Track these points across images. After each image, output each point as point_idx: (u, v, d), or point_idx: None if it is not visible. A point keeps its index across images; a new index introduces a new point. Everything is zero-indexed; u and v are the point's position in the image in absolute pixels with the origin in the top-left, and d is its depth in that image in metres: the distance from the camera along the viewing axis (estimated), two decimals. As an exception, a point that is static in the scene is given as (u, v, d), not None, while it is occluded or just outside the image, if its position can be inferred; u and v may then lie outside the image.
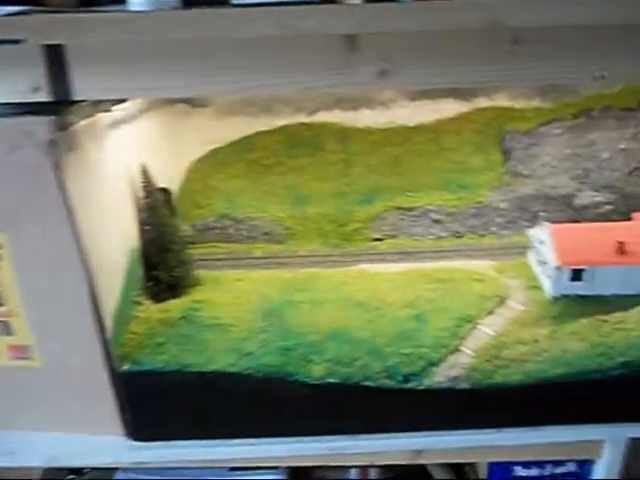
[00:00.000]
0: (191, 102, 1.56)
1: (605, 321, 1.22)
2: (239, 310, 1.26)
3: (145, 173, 1.26)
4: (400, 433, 1.23)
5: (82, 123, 1.05)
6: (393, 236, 1.58)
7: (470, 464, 1.56)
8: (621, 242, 1.22)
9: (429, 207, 1.57)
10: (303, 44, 0.93)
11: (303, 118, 1.58)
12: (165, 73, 0.90)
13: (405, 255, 1.52)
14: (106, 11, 1.08)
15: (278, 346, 1.19)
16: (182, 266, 1.31)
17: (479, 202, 1.55)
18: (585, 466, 1.38)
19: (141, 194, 1.28)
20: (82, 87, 0.92)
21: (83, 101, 1.02)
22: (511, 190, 1.57)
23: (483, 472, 1.46)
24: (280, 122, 1.57)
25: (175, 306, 1.26)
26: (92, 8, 1.20)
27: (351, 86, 0.98)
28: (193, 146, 1.57)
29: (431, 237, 1.57)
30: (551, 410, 1.23)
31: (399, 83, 0.96)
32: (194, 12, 0.90)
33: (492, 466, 1.39)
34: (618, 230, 1.27)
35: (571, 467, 1.38)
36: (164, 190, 1.49)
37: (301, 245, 1.56)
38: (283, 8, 0.81)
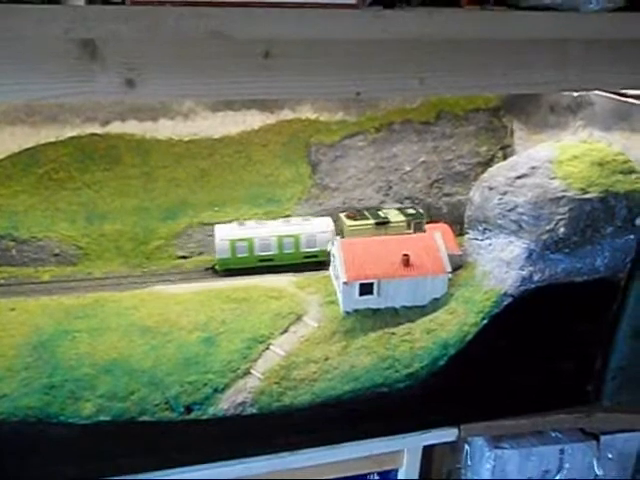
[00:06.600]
0: (-42, 110, 1.38)
1: (393, 334, 1.23)
2: (1, 345, 1.11)
3: None
4: (190, 466, 1.15)
5: None
6: (200, 253, 1.51)
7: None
8: (406, 254, 1.24)
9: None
10: (38, 49, 0.83)
11: (95, 129, 1.45)
12: None
13: (208, 273, 1.45)
14: None
15: (42, 384, 1.06)
16: None
17: (287, 216, 1.53)
18: (389, 475, 1.40)
19: None
20: None
21: None
22: (319, 203, 1.56)
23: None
24: (69, 133, 1.43)
25: None
26: None
27: (96, 95, 0.89)
28: (-36, 159, 1.38)
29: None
30: (346, 427, 1.23)
31: (148, 93, 0.89)
32: None
33: (298, 487, 1.37)
34: (407, 242, 1.29)
35: (374, 478, 1.39)
36: None
37: (98, 266, 1.44)
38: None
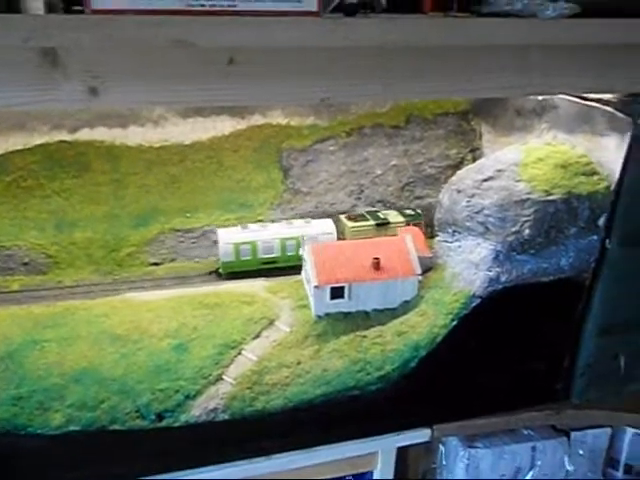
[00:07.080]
0: None
1: (365, 336, 1.24)
2: (-34, 357, 1.10)
3: None
4: (162, 474, 1.15)
5: None
6: (172, 260, 1.50)
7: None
8: (376, 258, 1.25)
9: (209, 228, 1.51)
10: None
11: (64, 136, 1.44)
12: None
13: (183, 279, 1.45)
14: None
15: (9, 395, 1.05)
16: None
17: (260, 221, 1.53)
18: (364, 477, 1.41)
19: None
20: None
21: None
22: (291, 208, 1.57)
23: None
24: (37, 140, 1.42)
25: None
26: None
27: (60, 103, 0.89)
28: None
29: (213, 259, 1.51)
30: (319, 430, 1.23)
31: (112, 101, 0.89)
32: None
33: (273, 492, 1.37)
34: (378, 246, 1.30)
35: (349, 481, 1.40)
36: None
37: (68, 274, 1.42)
38: None
